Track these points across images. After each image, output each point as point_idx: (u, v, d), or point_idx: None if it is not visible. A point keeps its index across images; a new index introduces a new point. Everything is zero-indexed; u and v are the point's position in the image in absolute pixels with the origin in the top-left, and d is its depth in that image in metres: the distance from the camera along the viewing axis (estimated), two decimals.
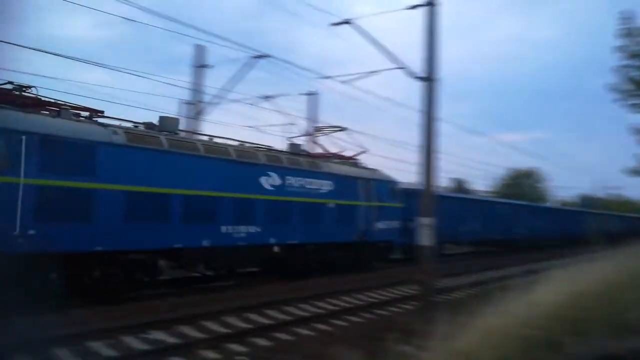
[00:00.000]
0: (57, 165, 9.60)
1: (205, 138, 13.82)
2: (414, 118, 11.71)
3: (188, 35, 20.42)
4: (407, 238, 20.26)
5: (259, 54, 16.48)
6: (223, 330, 8.96)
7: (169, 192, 11.44)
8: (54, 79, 34.54)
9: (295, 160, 15.12)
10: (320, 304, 11.51)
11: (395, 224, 18.82)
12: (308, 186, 15.14)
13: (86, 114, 11.00)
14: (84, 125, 10.47)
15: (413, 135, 12.05)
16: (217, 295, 12.18)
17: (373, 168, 18.99)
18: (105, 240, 10.24)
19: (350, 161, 18.39)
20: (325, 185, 15.80)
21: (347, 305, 11.55)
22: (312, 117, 22.66)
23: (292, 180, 14.59)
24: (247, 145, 14.26)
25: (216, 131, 14.93)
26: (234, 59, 17.42)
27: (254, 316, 9.99)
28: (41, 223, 9.20)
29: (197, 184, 12.04)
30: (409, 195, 21.05)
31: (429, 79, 10.84)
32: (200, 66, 19.19)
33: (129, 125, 11.76)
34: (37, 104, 10.40)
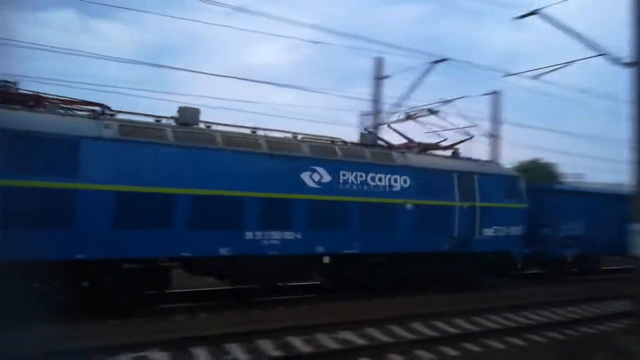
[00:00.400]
0: (29, 164, 8.61)
1: (247, 131, 11.68)
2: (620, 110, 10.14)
3: (366, 49, 22.05)
4: (538, 248, 15.83)
5: (437, 58, 16.67)
6: None
7: (173, 192, 9.82)
8: (251, 103, 39.34)
9: (355, 152, 12.32)
10: (510, 315, 10.98)
11: (515, 229, 14.58)
12: (372, 182, 12.21)
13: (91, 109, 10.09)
14: (68, 119, 9.42)
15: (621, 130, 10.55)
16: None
17: (483, 160, 15.05)
18: (89, 248, 9.04)
19: (447, 151, 14.77)
20: (400, 182, 12.65)
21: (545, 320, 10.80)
22: (495, 117, 22.22)
23: (348, 176, 11.87)
24: (300, 136, 12.01)
25: (396, 139, 13.97)
26: (411, 67, 17.61)
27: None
28: (7, 228, 8.32)
29: (212, 183, 10.22)
30: (543, 193, 16.47)
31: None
32: (379, 78, 19.55)
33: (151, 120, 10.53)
34: (36, 100, 9.80)
